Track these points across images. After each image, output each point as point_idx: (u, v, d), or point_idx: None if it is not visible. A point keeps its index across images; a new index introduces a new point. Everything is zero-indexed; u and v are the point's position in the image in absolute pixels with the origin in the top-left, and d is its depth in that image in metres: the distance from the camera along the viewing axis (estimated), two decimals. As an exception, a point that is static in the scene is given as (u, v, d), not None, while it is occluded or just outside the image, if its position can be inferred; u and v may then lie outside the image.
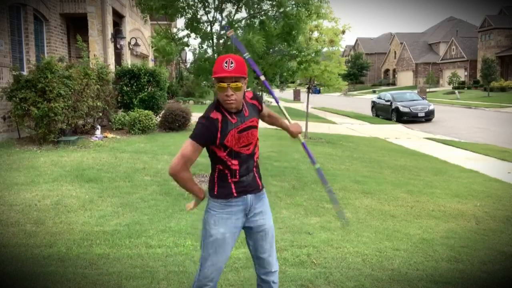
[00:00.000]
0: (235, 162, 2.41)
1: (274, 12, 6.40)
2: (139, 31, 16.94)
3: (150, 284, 3.37)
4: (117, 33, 13.28)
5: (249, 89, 2.66)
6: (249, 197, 2.48)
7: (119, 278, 3.42)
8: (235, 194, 2.44)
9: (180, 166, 2.33)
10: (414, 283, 3.59)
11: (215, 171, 2.46)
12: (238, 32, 6.47)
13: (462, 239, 4.75)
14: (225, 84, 2.28)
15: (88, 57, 11.03)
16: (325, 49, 11.63)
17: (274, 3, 6.17)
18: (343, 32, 11.66)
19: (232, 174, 2.42)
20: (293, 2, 6.29)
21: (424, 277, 3.71)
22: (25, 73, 9.34)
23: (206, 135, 2.33)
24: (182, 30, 6.68)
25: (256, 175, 2.54)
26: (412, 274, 3.76)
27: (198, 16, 6.48)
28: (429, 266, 3.95)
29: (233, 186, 2.44)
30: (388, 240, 4.56)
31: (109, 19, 12.37)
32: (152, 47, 6.58)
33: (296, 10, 6.14)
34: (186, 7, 6.39)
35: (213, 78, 2.33)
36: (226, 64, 2.27)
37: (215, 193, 2.45)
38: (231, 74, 2.27)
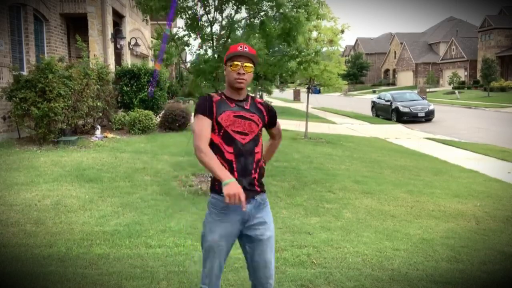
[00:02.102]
0: (229, 149, 2.37)
1: (273, 13, 6.39)
2: (139, 31, 16.93)
3: (150, 284, 3.37)
4: (117, 33, 13.27)
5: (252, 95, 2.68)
6: (248, 206, 2.37)
7: (119, 278, 3.42)
8: None
9: (198, 142, 2.32)
10: (414, 283, 3.59)
11: None
12: (238, 32, 6.47)
13: (462, 239, 4.75)
14: (239, 63, 2.41)
15: (88, 57, 11.02)
16: (324, 49, 11.64)
17: (273, 3, 6.17)
18: (342, 31, 11.66)
19: (229, 168, 2.35)
20: (292, 3, 6.29)
21: (424, 277, 3.71)
22: (25, 73, 9.34)
23: (206, 106, 2.41)
24: (184, 30, 6.68)
25: (256, 182, 2.44)
26: (412, 274, 3.76)
27: (198, 17, 6.47)
28: (429, 266, 3.95)
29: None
30: (388, 240, 4.56)
31: (109, 19, 12.36)
32: (151, 48, 6.59)
33: (296, 12, 6.14)
34: (186, 8, 6.39)
35: (226, 59, 2.46)
36: (240, 48, 2.44)
37: (216, 188, 2.40)
38: (246, 54, 2.42)
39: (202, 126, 2.37)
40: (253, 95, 2.65)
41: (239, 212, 2.37)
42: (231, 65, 2.42)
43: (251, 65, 2.44)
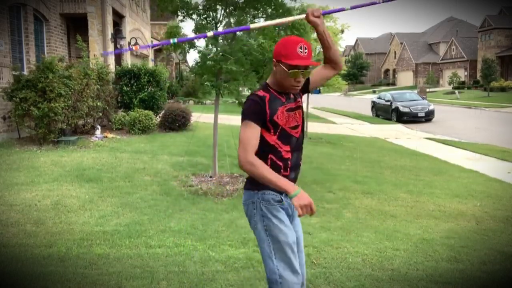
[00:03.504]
0: (286, 148, 2.25)
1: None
2: (139, 31, 16.93)
3: (150, 284, 3.37)
4: (117, 33, 13.27)
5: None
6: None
7: (119, 278, 3.42)
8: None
9: (245, 154, 2.11)
10: (414, 283, 3.59)
11: (266, 163, 2.22)
12: (245, 37, 6.48)
13: (462, 239, 4.75)
14: (298, 71, 2.19)
15: (88, 57, 11.03)
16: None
17: (281, 11, 6.18)
18: (342, 31, 11.68)
19: (284, 166, 2.25)
20: (298, 12, 6.32)
21: (424, 277, 3.71)
22: (25, 73, 9.34)
23: (258, 110, 2.18)
24: (192, 31, 6.73)
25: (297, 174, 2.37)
26: (412, 274, 3.76)
27: (205, 19, 6.52)
28: (429, 266, 3.95)
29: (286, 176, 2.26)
30: (388, 240, 4.56)
31: (109, 19, 12.37)
32: (152, 48, 6.66)
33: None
34: (198, 11, 6.45)
35: (282, 62, 2.19)
36: (301, 50, 2.17)
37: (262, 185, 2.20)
38: (306, 63, 2.18)
39: (251, 135, 2.15)
40: None
41: (286, 206, 2.30)
42: (289, 70, 2.18)
43: (309, 70, 2.24)
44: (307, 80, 2.42)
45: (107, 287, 3.31)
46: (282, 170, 2.25)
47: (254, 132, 2.16)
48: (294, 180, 2.32)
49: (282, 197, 2.26)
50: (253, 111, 2.18)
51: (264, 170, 2.10)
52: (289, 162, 2.27)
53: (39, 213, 4.88)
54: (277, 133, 2.23)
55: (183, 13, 6.46)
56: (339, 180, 7.28)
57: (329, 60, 2.46)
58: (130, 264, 3.70)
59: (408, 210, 5.77)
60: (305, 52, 2.18)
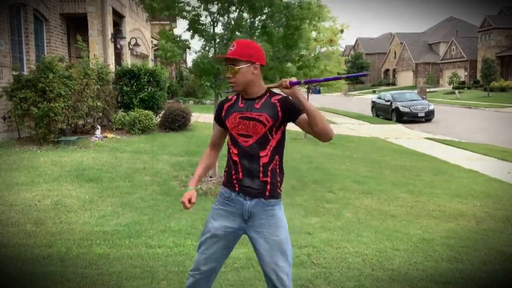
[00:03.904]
0: (235, 151, 2.38)
1: (277, 14, 6.41)
2: (139, 31, 16.94)
3: (150, 284, 3.37)
4: (117, 33, 13.27)
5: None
6: (248, 203, 2.35)
7: (119, 278, 3.42)
8: (236, 188, 2.37)
9: (208, 146, 2.60)
10: (414, 283, 3.59)
11: (227, 163, 2.48)
12: (241, 34, 6.47)
13: (462, 239, 4.75)
14: (226, 67, 2.35)
15: (88, 57, 11.02)
16: (324, 49, 11.65)
17: (277, 7, 6.18)
18: (342, 31, 11.69)
19: (235, 168, 2.37)
20: (296, 5, 6.32)
21: (424, 277, 3.71)
22: (25, 73, 9.34)
23: (216, 113, 2.51)
24: (185, 32, 6.71)
25: (268, 187, 2.35)
26: (412, 274, 3.76)
27: (201, 19, 6.49)
28: (429, 266, 3.95)
29: (235, 182, 2.38)
30: (388, 240, 4.56)
31: (109, 19, 12.36)
32: (152, 48, 6.62)
33: (300, 10, 6.18)
34: (190, 10, 6.40)
35: None
36: (230, 47, 2.34)
37: (224, 180, 2.47)
38: (227, 56, 2.32)
39: (213, 132, 2.60)
40: (276, 90, 2.44)
41: (238, 206, 2.37)
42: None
43: (233, 66, 2.29)
44: (293, 114, 2.31)
45: (107, 287, 3.31)
46: (233, 172, 2.39)
47: (215, 130, 2.56)
48: (250, 188, 2.34)
49: (233, 196, 2.39)
50: (215, 113, 2.54)
51: (199, 163, 2.58)
52: (238, 167, 2.37)
53: (39, 213, 4.88)
54: (230, 136, 2.42)
55: (172, 12, 6.35)
56: (339, 180, 7.28)
57: (314, 135, 2.30)
58: (130, 264, 3.70)
59: (408, 210, 5.77)
60: (231, 49, 2.32)
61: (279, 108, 2.32)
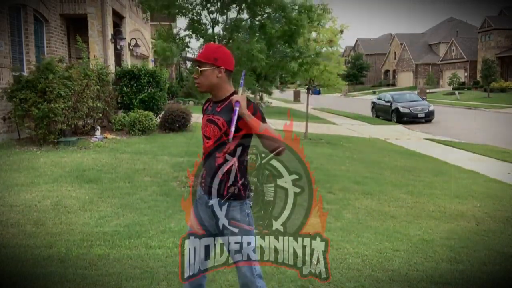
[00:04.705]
0: (202, 150, 2.49)
1: (276, 14, 6.40)
2: (139, 31, 16.94)
3: (150, 284, 3.37)
4: (117, 34, 13.28)
5: (247, 91, 2.58)
6: (210, 202, 2.41)
7: (119, 279, 3.42)
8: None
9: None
10: (414, 283, 3.59)
11: None
12: (240, 34, 6.47)
13: (462, 239, 4.75)
14: (194, 67, 2.45)
15: (88, 58, 11.03)
16: (324, 49, 11.65)
17: (275, 6, 6.18)
18: (342, 31, 11.68)
19: (203, 167, 2.49)
20: (296, 7, 6.31)
21: (424, 278, 3.71)
22: (25, 73, 9.34)
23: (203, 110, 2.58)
24: (184, 31, 6.68)
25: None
26: (412, 274, 3.76)
27: (200, 18, 6.47)
28: (429, 267, 3.95)
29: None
30: (388, 241, 4.56)
31: (109, 20, 12.37)
32: (152, 48, 6.61)
33: (298, 15, 6.17)
34: (189, 9, 6.38)
35: None
36: (200, 50, 2.49)
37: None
38: (195, 58, 2.46)
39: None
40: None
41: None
42: None
43: (198, 68, 2.38)
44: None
45: (107, 288, 3.31)
46: (202, 172, 2.48)
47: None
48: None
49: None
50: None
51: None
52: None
53: (39, 213, 4.88)
54: None
55: (172, 11, 6.32)
56: (339, 180, 7.28)
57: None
58: (130, 264, 3.70)
59: (408, 211, 5.77)
60: (200, 52, 2.47)
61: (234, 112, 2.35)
